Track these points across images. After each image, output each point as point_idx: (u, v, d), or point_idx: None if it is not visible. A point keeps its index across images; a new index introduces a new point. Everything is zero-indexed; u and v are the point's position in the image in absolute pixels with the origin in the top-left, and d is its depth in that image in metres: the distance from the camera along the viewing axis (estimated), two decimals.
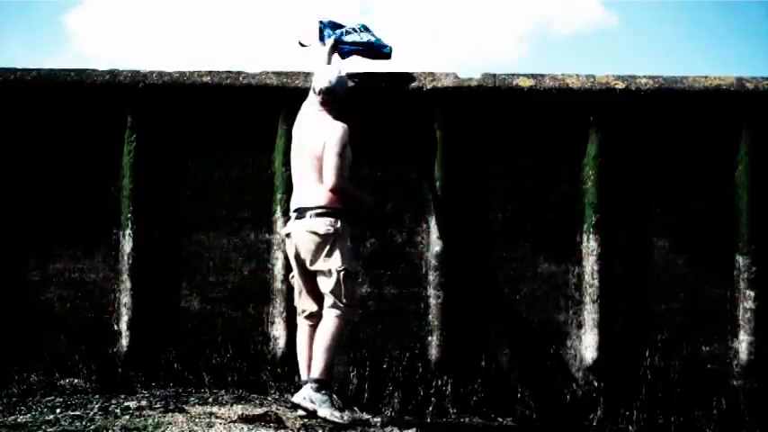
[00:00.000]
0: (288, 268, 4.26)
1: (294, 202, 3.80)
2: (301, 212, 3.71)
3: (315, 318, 3.76)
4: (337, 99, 3.83)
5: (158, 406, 3.81)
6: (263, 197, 4.33)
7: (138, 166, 4.33)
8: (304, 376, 3.70)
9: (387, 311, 4.28)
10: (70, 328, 4.33)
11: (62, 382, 4.19)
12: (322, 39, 4.27)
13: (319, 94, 3.80)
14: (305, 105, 3.96)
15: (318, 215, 3.65)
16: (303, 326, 3.81)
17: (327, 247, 3.64)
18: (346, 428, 3.55)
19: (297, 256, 3.75)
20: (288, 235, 3.80)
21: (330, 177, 3.63)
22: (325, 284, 3.66)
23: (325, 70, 3.91)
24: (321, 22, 4.29)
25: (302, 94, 4.15)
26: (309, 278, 3.76)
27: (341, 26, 4.29)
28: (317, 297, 3.74)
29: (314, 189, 3.70)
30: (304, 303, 3.82)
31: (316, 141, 3.71)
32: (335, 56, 4.23)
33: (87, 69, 4.40)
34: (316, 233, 3.64)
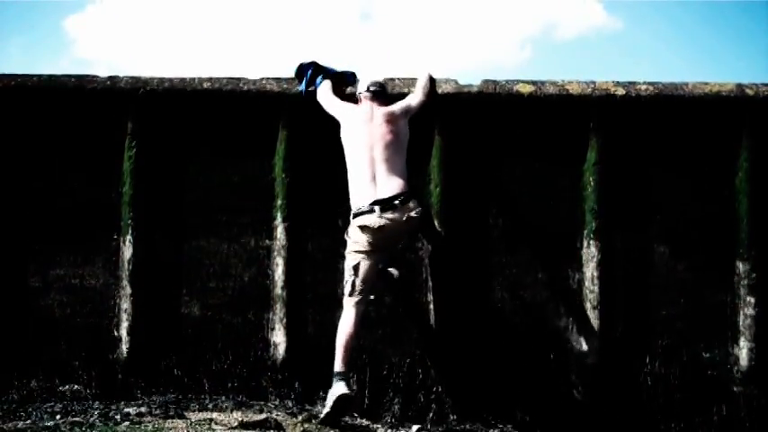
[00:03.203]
0: (289, 274, 4.26)
1: (369, 194, 3.82)
2: (389, 202, 3.80)
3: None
4: (386, 92, 4.17)
5: (158, 412, 3.80)
6: (263, 203, 4.33)
7: (139, 172, 4.34)
8: (340, 368, 3.74)
9: (387, 317, 4.28)
10: (70, 333, 4.33)
11: (62, 388, 4.19)
12: (300, 77, 4.28)
13: (373, 92, 4.10)
14: (352, 110, 4.06)
15: (405, 201, 3.84)
16: (355, 314, 3.85)
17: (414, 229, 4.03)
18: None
19: (387, 245, 3.88)
20: (373, 228, 3.78)
21: (422, 101, 4.17)
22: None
23: (368, 75, 4.21)
24: (303, 64, 4.29)
25: (302, 99, 4.16)
26: (384, 264, 4.02)
27: (321, 68, 4.29)
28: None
29: (393, 177, 3.86)
30: (372, 290, 3.96)
31: (384, 125, 3.94)
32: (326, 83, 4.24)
33: (88, 75, 4.40)
34: (412, 218, 3.85)
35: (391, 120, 3.97)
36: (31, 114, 4.41)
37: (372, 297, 4.03)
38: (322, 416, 3.72)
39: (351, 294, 3.86)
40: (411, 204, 3.86)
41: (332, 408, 3.65)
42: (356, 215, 3.85)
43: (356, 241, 3.86)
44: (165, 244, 4.36)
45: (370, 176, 3.86)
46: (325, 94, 4.18)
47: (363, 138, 3.93)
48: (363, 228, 3.80)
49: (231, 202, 4.37)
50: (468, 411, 4.15)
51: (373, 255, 3.86)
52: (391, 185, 3.84)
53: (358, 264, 3.85)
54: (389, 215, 3.79)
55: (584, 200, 4.27)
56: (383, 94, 4.13)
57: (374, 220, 3.79)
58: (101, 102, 4.38)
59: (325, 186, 4.31)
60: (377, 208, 3.79)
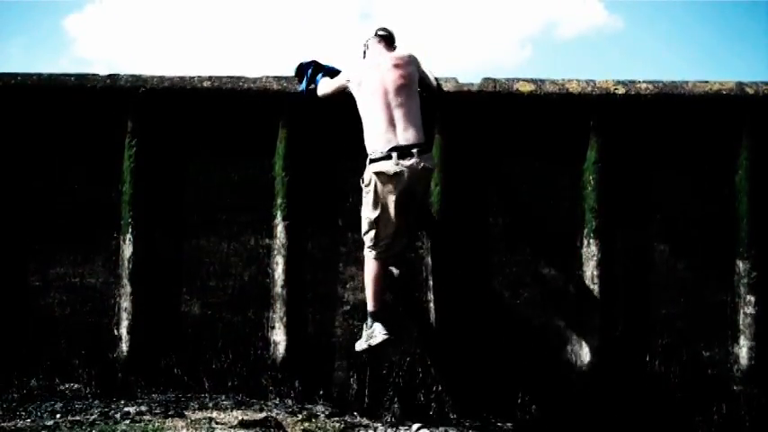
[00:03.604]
0: (289, 273, 4.26)
1: (386, 139, 3.80)
2: (407, 150, 3.78)
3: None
4: (393, 39, 4.19)
5: (158, 411, 3.81)
6: (263, 202, 4.33)
7: (139, 171, 4.33)
8: (373, 308, 3.90)
9: (387, 316, 4.27)
10: (70, 332, 4.33)
11: (62, 386, 4.20)
12: (300, 77, 4.27)
13: (381, 36, 4.14)
14: (359, 65, 4.06)
15: (424, 152, 3.84)
16: (378, 266, 3.91)
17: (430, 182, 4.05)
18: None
19: (402, 193, 3.80)
20: (389, 175, 3.77)
21: (434, 84, 4.19)
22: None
23: (379, 26, 4.21)
24: (302, 63, 4.27)
25: (303, 99, 4.16)
26: (404, 216, 3.89)
27: (322, 67, 4.29)
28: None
29: (411, 126, 3.84)
30: (395, 245, 3.93)
31: (394, 70, 3.90)
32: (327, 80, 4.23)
33: (88, 74, 4.40)
34: (428, 168, 3.86)
35: (400, 64, 3.93)
36: (32, 113, 4.41)
37: (396, 250, 3.99)
38: (358, 349, 3.93)
39: (372, 248, 3.89)
40: (427, 155, 3.87)
41: (375, 346, 3.84)
42: (372, 161, 3.83)
43: (370, 190, 3.85)
44: (166, 242, 4.36)
45: (387, 121, 3.82)
46: (325, 82, 4.17)
47: (376, 84, 3.89)
48: (379, 174, 3.79)
49: (231, 200, 4.37)
50: (468, 410, 4.15)
51: (389, 206, 3.82)
52: (410, 133, 3.81)
53: (378, 217, 3.84)
54: (406, 162, 3.76)
55: (584, 199, 4.27)
56: (391, 39, 4.14)
57: (391, 166, 3.76)
58: (101, 100, 4.37)
59: (326, 185, 4.31)
60: (394, 154, 3.77)
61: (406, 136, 3.80)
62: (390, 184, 3.78)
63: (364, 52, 4.19)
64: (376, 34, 4.15)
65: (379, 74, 3.90)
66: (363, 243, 3.95)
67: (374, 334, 3.84)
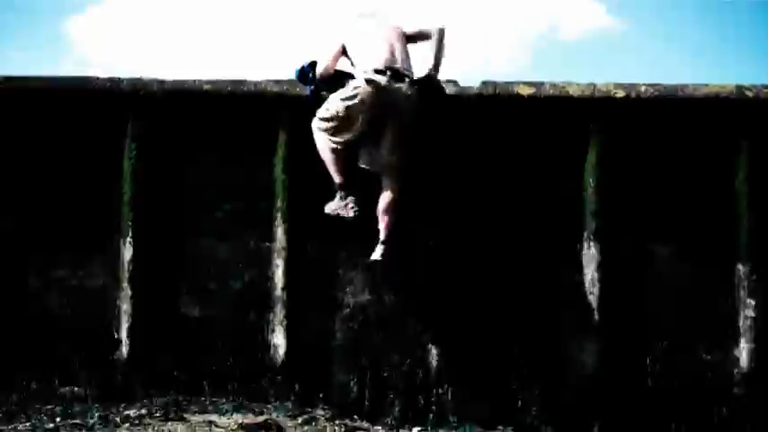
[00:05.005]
0: (289, 276, 4.27)
1: (382, 59, 3.92)
2: (401, 76, 3.92)
3: None
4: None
5: (158, 414, 3.81)
6: (263, 205, 4.33)
7: (139, 174, 4.34)
8: (340, 180, 4.08)
9: (387, 319, 4.28)
10: (70, 335, 4.33)
11: (62, 389, 4.19)
12: (303, 80, 4.21)
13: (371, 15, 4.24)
14: (355, 26, 4.14)
15: (412, 84, 3.95)
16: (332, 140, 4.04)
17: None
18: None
19: (380, 108, 3.90)
20: (377, 84, 3.87)
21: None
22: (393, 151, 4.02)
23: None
24: (304, 66, 4.22)
25: (302, 101, 4.17)
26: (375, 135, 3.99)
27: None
28: None
29: (407, 66, 4.01)
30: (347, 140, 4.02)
31: (391, 22, 4.16)
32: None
33: (88, 77, 4.40)
34: (411, 99, 3.93)
35: (389, 18, 4.18)
36: (32, 116, 4.41)
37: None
38: (327, 211, 4.10)
39: (326, 132, 3.99)
40: (414, 89, 3.95)
41: (344, 218, 4.07)
42: (366, 71, 3.91)
43: (352, 97, 3.89)
44: (165, 245, 4.36)
45: (387, 50, 3.96)
46: (319, 62, 4.11)
47: (373, 28, 4.06)
48: (369, 82, 3.87)
49: (231, 203, 4.37)
50: (468, 413, 4.14)
51: (359, 122, 3.92)
52: (407, 68, 3.97)
53: (342, 123, 3.93)
54: (396, 84, 3.88)
55: (584, 201, 4.27)
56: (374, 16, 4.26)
57: (383, 79, 3.87)
58: (101, 103, 4.38)
59: (325, 188, 4.30)
60: (389, 72, 3.88)
61: (403, 66, 3.95)
62: (372, 99, 3.86)
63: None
64: (361, 14, 4.23)
65: (375, 22, 4.11)
66: (317, 124, 4.03)
67: (347, 207, 4.03)
